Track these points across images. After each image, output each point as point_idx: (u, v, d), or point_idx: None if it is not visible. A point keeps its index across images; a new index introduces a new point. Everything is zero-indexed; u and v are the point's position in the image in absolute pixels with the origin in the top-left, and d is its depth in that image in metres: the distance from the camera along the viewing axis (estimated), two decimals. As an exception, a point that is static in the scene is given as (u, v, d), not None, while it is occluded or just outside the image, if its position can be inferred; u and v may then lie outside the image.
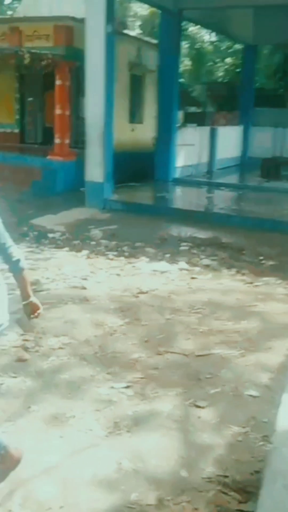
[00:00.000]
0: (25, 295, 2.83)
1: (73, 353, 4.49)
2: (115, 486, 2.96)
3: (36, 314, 2.91)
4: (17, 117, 15.29)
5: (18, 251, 2.70)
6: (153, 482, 2.98)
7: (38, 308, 2.90)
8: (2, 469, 2.92)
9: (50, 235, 8.86)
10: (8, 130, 15.42)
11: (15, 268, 2.71)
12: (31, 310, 2.88)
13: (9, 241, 2.66)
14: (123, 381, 4.08)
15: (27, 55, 12.19)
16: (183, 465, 3.15)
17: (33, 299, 2.86)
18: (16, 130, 15.38)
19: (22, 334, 4.78)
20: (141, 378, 4.13)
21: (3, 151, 13.68)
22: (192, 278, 6.77)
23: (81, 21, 11.11)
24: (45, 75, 13.59)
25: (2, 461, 2.88)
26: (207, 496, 2.87)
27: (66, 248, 8.09)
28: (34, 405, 3.69)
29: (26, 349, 4.50)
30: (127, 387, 3.99)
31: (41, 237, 8.66)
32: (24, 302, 2.84)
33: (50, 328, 4.94)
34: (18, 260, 2.70)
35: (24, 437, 3.32)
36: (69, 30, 12.53)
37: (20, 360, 4.30)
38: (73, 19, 12.41)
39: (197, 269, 7.18)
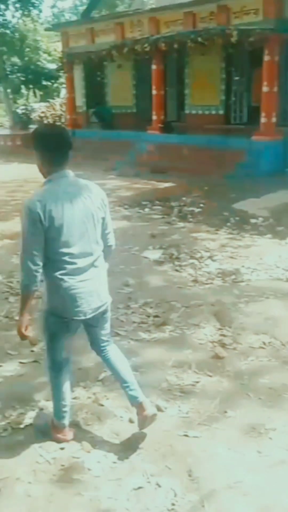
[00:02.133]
0: None
1: (275, 355, 4.09)
2: None
3: None
4: (222, 98, 15.06)
5: (113, 236, 3.04)
6: None
7: None
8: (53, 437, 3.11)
9: (252, 220, 8.45)
10: (213, 112, 15.31)
11: (107, 250, 3.00)
12: None
13: (109, 228, 2.97)
14: None
15: (234, 33, 11.81)
16: None
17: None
18: (221, 112, 15.19)
19: (220, 329, 4.54)
20: None
21: (208, 134, 13.62)
22: None
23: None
24: (252, 52, 13.06)
25: (52, 428, 3.11)
26: None
27: (269, 235, 7.60)
28: (231, 410, 3.41)
29: (223, 345, 4.24)
30: None
31: (242, 223, 8.30)
32: None
33: (249, 324, 4.60)
34: (111, 245, 3.04)
35: (218, 445, 3.08)
36: (279, 1, 11.75)
37: (217, 357, 4.06)
38: (285, -13, 11.60)
39: None
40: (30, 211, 2.63)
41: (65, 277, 2.73)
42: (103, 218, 2.87)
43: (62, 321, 2.82)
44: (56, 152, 2.72)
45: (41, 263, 2.69)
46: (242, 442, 3.11)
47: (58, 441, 3.09)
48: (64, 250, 2.70)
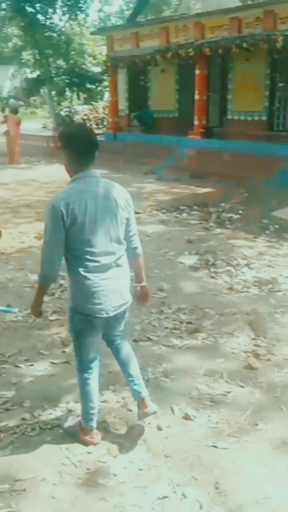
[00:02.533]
0: (138, 279, 3.16)
1: (310, 369, 3.97)
2: None
3: (144, 301, 3.24)
4: (266, 104, 14.84)
5: (138, 239, 3.05)
6: None
7: (147, 295, 3.22)
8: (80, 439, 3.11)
9: (292, 229, 8.27)
10: (256, 118, 15.11)
11: (132, 254, 3.03)
12: (140, 294, 3.18)
13: (134, 230, 3.01)
14: None
15: (280, 39, 11.64)
16: None
17: (144, 283, 3.18)
18: (264, 118, 14.97)
19: (254, 339, 4.44)
20: None
21: (249, 140, 13.46)
22: None
23: None
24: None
25: (80, 430, 3.11)
26: None
27: (309, 245, 7.42)
28: (262, 423, 3.32)
29: (257, 356, 4.15)
30: None
31: (282, 231, 8.13)
32: (135, 285, 3.14)
33: (285, 335, 4.49)
34: (136, 247, 3.05)
35: (247, 458, 3.00)
36: None
37: (250, 367, 3.97)
38: None
39: None
40: (53, 209, 2.70)
41: (88, 275, 2.78)
42: (127, 219, 2.92)
43: (86, 319, 2.86)
44: (82, 152, 2.78)
45: (60, 260, 2.78)
46: (273, 457, 3.02)
47: (85, 443, 3.08)
48: (86, 248, 2.75)
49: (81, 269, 2.78)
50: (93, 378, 3.05)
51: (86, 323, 2.88)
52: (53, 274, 2.82)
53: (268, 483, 2.81)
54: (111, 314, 2.88)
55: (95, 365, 3.06)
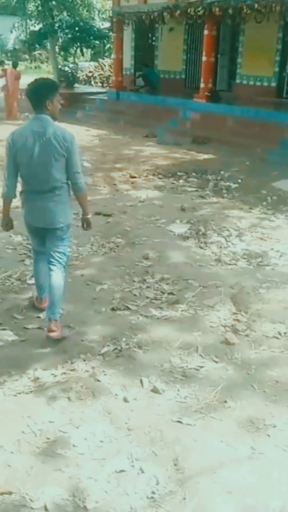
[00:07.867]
0: (83, 212, 3.87)
1: (288, 347, 3.89)
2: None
3: (86, 229, 3.97)
4: (276, 69, 14.41)
5: (79, 177, 3.66)
6: None
7: (89, 225, 3.93)
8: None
9: (291, 201, 8.08)
10: (265, 84, 14.70)
11: (75, 189, 3.70)
12: (85, 223, 3.93)
13: (75, 168, 3.61)
14: None
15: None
16: None
17: (87, 216, 3.89)
18: (273, 84, 14.57)
19: (235, 313, 4.36)
20: None
21: (256, 107, 13.09)
22: None
23: None
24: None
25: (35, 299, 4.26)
26: None
27: (306, 218, 7.24)
28: (231, 400, 3.27)
29: (235, 331, 4.07)
30: None
31: (279, 203, 7.92)
32: (82, 216, 3.91)
33: (266, 312, 4.40)
34: (77, 183, 3.67)
35: (211, 436, 2.95)
36: None
37: (227, 343, 3.90)
38: None
39: None
40: (6, 141, 3.57)
41: (26, 196, 3.71)
42: (65, 157, 3.52)
43: (26, 223, 3.86)
44: (30, 100, 3.54)
45: (13, 181, 3.62)
46: (237, 436, 2.97)
47: (38, 307, 4.17)
48: (26, 175, 3.59)
49: (23, 190, 3.71)
50: (38, 263, 4.02)
51: (27, 227, 3.90)
52: (8, 192, 3.65)
53: (229, 463, 2.76)
54: (40, 226, 3.74)
55: (40, 256, 3.97)
